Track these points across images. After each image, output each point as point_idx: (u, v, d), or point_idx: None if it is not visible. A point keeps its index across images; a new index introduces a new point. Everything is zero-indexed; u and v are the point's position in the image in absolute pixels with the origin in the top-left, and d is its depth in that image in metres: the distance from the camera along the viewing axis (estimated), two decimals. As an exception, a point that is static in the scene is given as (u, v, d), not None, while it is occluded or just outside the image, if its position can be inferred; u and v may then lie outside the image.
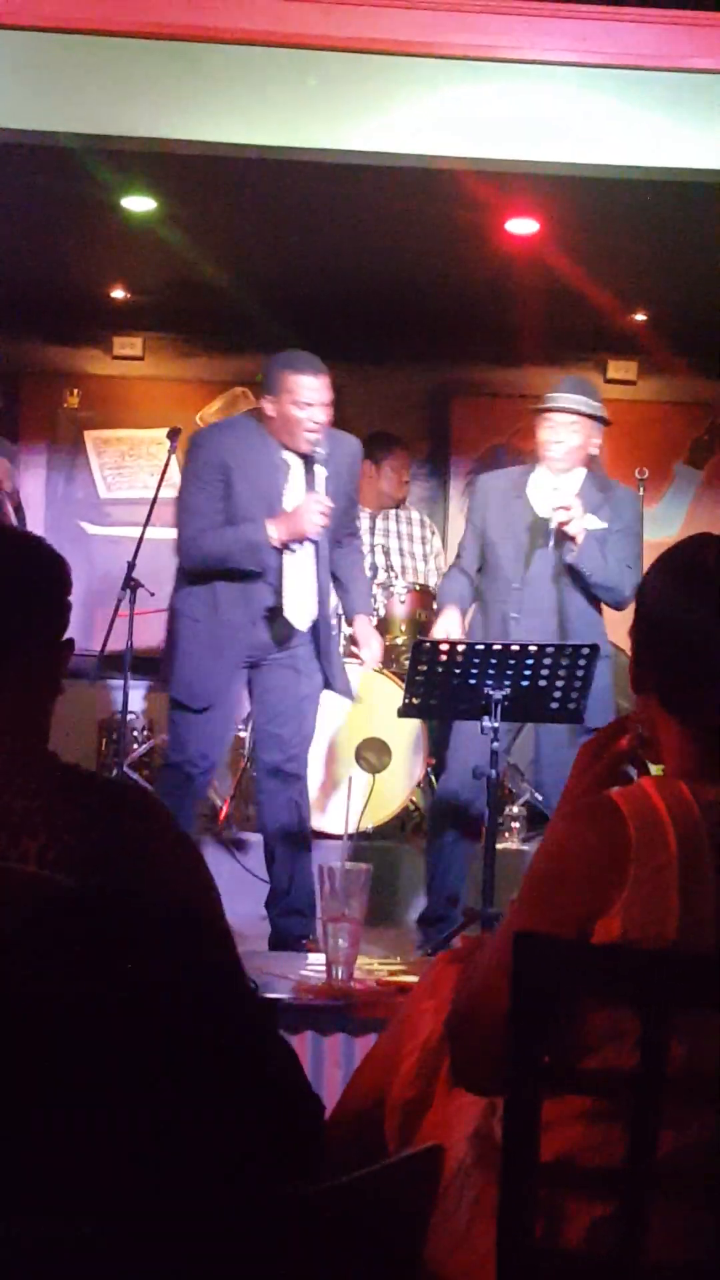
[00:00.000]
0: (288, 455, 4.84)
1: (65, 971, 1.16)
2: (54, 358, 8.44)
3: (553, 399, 5.14)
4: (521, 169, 5.33)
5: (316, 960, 3.97)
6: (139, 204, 6.49)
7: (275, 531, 4.73)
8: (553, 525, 4.94)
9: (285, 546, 4.77)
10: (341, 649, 6.42)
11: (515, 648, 4.51)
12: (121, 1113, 1.13)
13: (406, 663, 4.95)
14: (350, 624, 5.35)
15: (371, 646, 5.25)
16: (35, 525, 8.27)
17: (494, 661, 4.48)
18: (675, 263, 7.01)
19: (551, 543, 4.96)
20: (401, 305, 7.79)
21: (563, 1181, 1.72)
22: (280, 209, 6.52)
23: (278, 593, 4.82)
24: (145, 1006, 1.17)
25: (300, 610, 4.87)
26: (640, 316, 8.03)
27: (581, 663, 4.51)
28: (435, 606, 5.47)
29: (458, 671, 4.52)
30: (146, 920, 1.25)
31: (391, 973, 3.86)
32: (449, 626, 5.16)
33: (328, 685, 5.04)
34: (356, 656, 6.22)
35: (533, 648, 4.52)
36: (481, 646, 4.53)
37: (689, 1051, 1.69)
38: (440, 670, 4.54)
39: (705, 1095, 1.72)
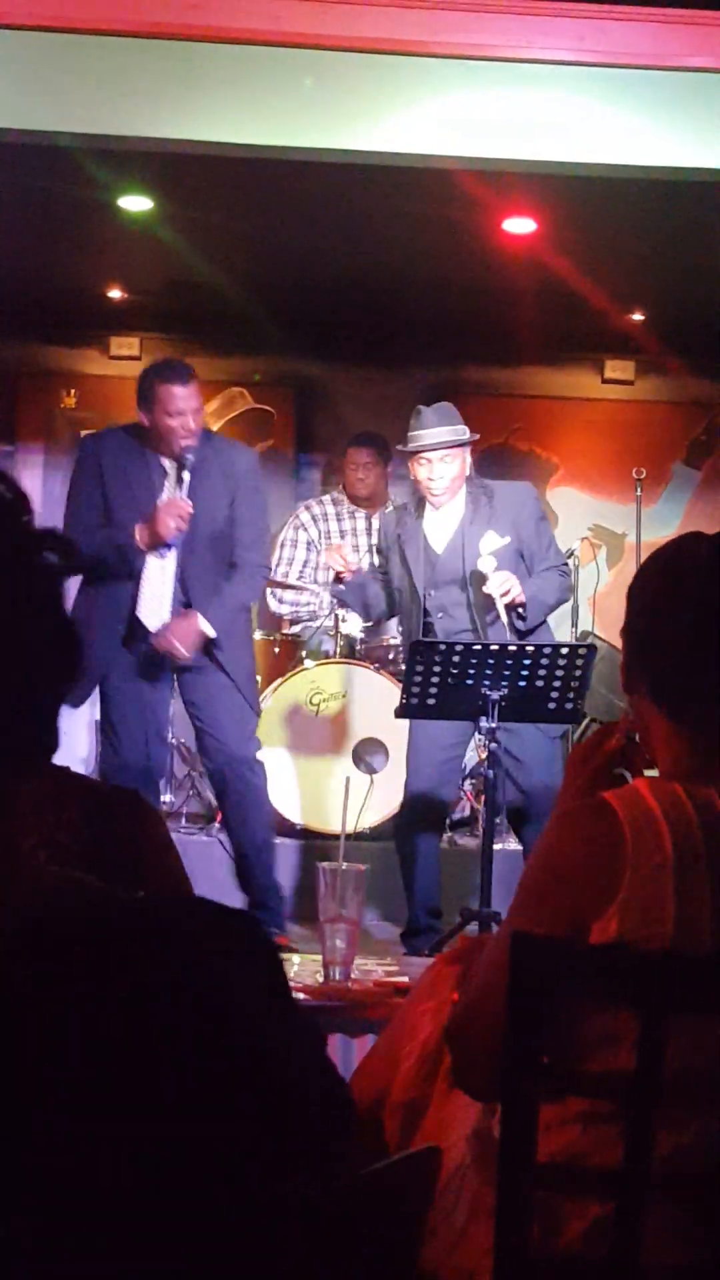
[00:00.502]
0: (166, 462, 5.01)
1: (111, 972, 1.15)
2: (51, 358, 8.44)
3: (418, 438, 5.08)
4: (518, 168, 5.33)
5: (310, 959, 3.96)
6: (135, 204, 6.48)
7: (139, 534, 4.89)
8: (500, 607, 4.91)
9: (152, 549, 4.90)
10: (340, 649, 6.43)
11: (512, 648, 4.52)
12: (140, 1114, 1.12)
13: (403, 663, 4.95)
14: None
15: (176, 633, 4.99)
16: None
17: (491, 662, 4.48)
18: (673, 262, 7.01)
19: (503, 618, 4.95)
20: (398, 305, 7.78)
21: (560, 1183, 1.72)
22: (277, 209, 6.51)
23: (134, 595, 4.94)
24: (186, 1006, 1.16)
25: (152, 613, 4.96)
26: (638, 316, 8.03)
27: (579, 663, 4.51)
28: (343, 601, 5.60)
29: (455, 672, 4.52)
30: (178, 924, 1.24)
31: (389, 973, 3.85)
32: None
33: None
34: (365, 663, 6.24)
35: (529, 649, 4.53)
36: (479, 647, 4.53)
37: (686, 1053, 1.69)
38: (437, 671, 4.54)
39: (702, 1097, 1.71)
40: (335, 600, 6.53)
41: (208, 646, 5.00)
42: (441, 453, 5.06)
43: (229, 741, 5.06)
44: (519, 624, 4.99)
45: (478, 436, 5.25)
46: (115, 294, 8.01)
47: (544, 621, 5.14)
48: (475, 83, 5.09)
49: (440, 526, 5.14)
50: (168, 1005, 1.15)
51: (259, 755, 5.19)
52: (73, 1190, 1.10)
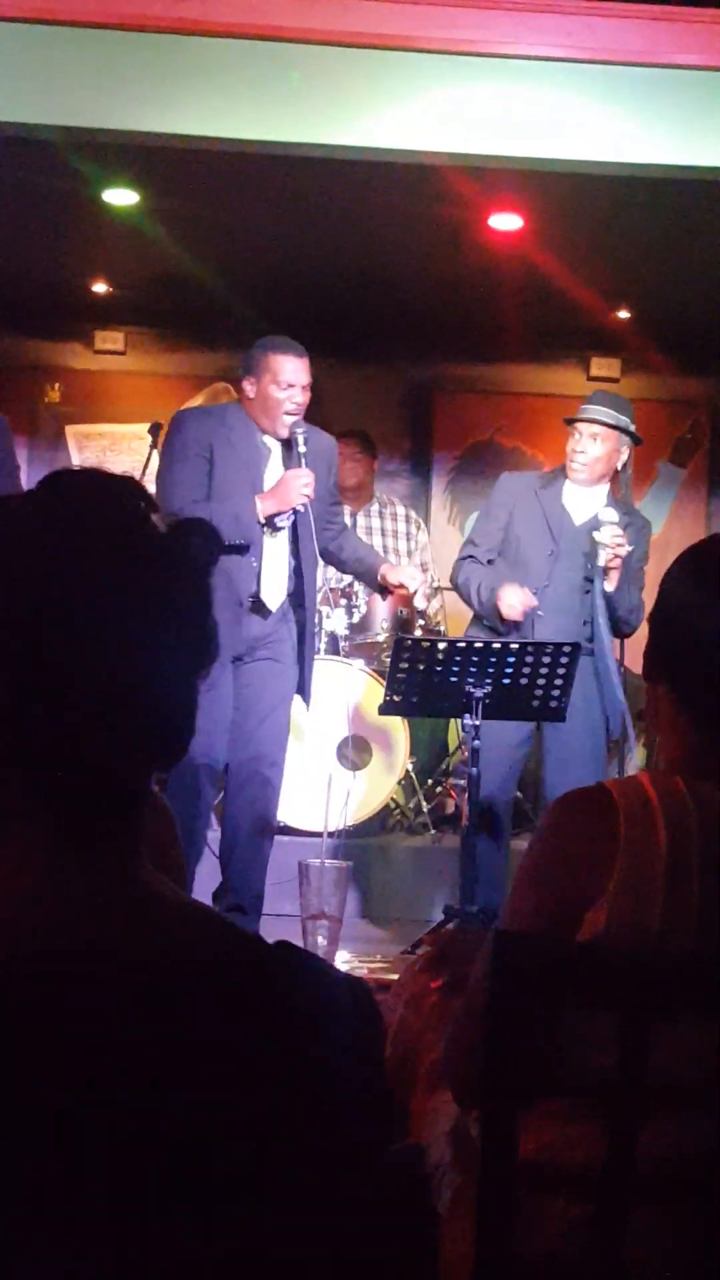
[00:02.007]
0: (267, 440, 4.89)
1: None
2: (35, 352, 8.42)
3: (581, 410, 5.20)
4: (505, 165, 5.32)
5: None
6: (121, 197, 6.47)
7: (262, 505, 4.76)
8: (602, 560, 4.98)
9: (269, 522, 4.79)
10: (324, 646, 6.42)
11: (496, 645, 4.51)
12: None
13: (387, 660, 4.94)
14: (383, 580, 5.19)
15: (406, 573, 5.16)
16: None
17: (475, 659, 4.47)
18: (659, 260, 7.01)
19: (598, 572, 5.00)
20: (384, 301, 7.78)
21: (540, 1181, 1.71)
22: (263, 204, 6.50)
23: (258, 574, 4.82)
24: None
25: (274, 591, 4.87)
26: (624, 314, 8.03)
27: (563, 661, 4.50)
28: (473, 594, 5.40)
29: (439, 669, 4.51)
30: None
31: (371, 970, 3.85)
32: (517, 593, 5.10)
33: (299, 688, 4.99)
34: (349, 660, 6.22)
35: (514, 645, 4.52)
36: (463, 644, 4.52)
37: (668, 1053, 1.68)
38: (421, 668, 4.53)
39: (684, 1097, 1.71)
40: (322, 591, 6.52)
41: (301, 643, 4.96)
42: (595, 429, 5.12)
43: (264, 741, 4.94)
44: (605, 584, 5.02)
45: (640, 439, 5.27)
46: (100, 288, 8.00)
47: (620, 643, 5.23)
48: (462, 78, 5.09)
49: (580, 504, 5.18)
50: (269, 1059, 1.14)
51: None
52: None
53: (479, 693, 4.48)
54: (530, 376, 8.62)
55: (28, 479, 8.38)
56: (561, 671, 4.51)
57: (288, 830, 6.14)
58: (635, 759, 6.47)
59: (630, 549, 5.04)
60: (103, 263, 7.67)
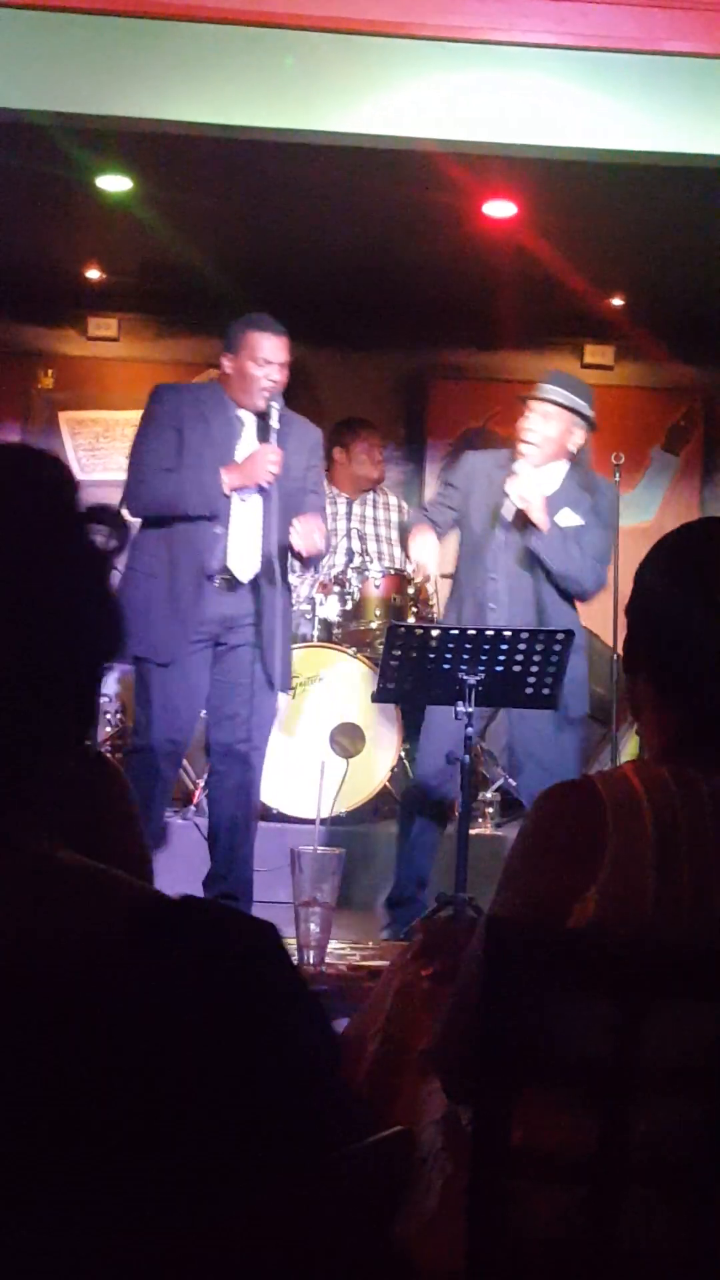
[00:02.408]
0: (242, 413, 4.96)
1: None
2: (28, 338, 8.40)
3: (536, 389, 5.21)
4: (499, 152, 5.31)
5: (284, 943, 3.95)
6: (114, 184, 6.45)
7: (228, 477, 4.82)
8: (508, 512, 5.04)
9: (235, 493, 4.85)
10: (317, 634, 6.42)
11: (490, 633, 4.51)
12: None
13: (381, 647, 4.93)
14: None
15: (299, 534, 4.92)
16: (9, 507, 8.23)
17: (468, 647, 4.47)
18: (653, 247, 7.01)
19: (510, 522, 5.05)
20: (378, 288, 7.77)
21: (532, 1168, 1.72)
22: (256, 190, 6.49)
23: (225, 544, 4.86)
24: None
25: (243, 562, 4.89)
26: (618, 301, 8.03)
27: (556, 648, 4.51)
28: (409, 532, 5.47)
29: (432, 656, 4.51)
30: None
31: (364, 957, 3.85)
32: (426, 544, 5.23)
33: (268, 674, 4.96)
34: (342, 647, 6.22)
35: (507, 633, 4.52)
36: (456, 631, 4.52)
37: (661, 1039, 1.68)
38: (414, 655, 4.53)
39: (676, 1082, 1.71)
40: (317, 580, 6.53)
41: (259, 622, 4.92)
42: (546, 408, 5.14)
43: (245, 725, 4.96)
44: (529, 541, 5.05)
45: (594, 424, 5.27)
46: (93, 274, 7.98)
47: (571, 605, 5.17)
48: (456, 65, 5.08)
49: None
50: (194, 1008, 1.13)
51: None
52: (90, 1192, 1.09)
53: (472, 680, 4.49)
54: (524, 364, 8.60)
55: (20, 465, 8.38)
56: (554, 659, 4.52)
57: (280, 817, 6.15)
58: (628, 748, 6.48)
59: (535, 502, 5.03)
60: (96, 249, 7.66)
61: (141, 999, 1.12)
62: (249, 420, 4.95)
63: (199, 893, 4.96)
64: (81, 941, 1.14)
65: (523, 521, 5.08)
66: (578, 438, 5.19)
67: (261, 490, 4.84)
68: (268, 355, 4.87)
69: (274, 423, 4.86)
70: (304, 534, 4.85)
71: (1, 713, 1.21)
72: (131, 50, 5.00)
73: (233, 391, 4.94)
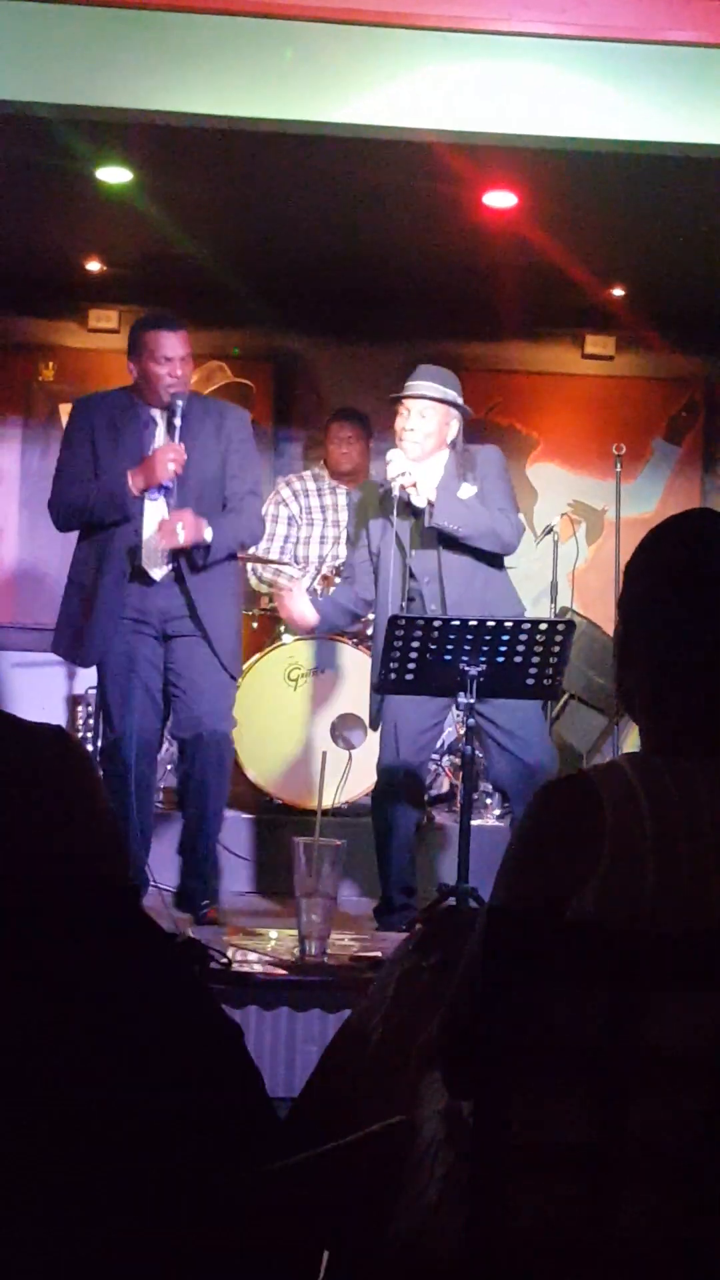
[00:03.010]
0: (155, 413, 5.06)
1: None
2: (29, 330, 8.39)
3: (406, 387, 5.16)
4: (499, 142, 5.30)
5: (286, 934, 3.96)
6: (115, 175, 6.44)
7: (133, 479, 4.92)
8: (396, 491, 4.99)
9: (144, 494, 4.94)
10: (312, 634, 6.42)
11: (490, 624, 4.51)
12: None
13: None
14: None
15: (165, 527, 4.95)
16: (10, 499, 8.24)
17: (470, 637, 4.47)
18: (654, 237, 6.99)
19: (408, 509, 5.03)
20: (377, 279, 7.76)
21: (532, 1160, 1.72)
22: (256, 182, 6.48)
23: (139, 544, 4.95)
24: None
25: (154, 559, 4.97)
26: (618, 291, 8.01)
27: (558, 638, 4.51)
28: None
29: (434, 647, 4.51)
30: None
31: (365, 948, 3.86)
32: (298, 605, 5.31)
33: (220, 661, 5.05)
34: (343, 638, 6.22)
35: (508, 624, 4.52)
36: (458, 622, 4.52)
37: (660, 1030, 1.69)
38: (416, 646, 4.53)
39: (676, 1074, 1.71)
40: (317, 572, 6.53)
41: (195, 613, 4.97)
42: (422, 405, 5.09)
43: (206, 715, 5.03)
44: (430, 521, 5.01)
45: (468, 410, 5.24)
46: (94, 266, 7.97)
47: (497, 564, 5.15)
48: (456, 55, 5.06)
49: (428, 480, 5.10)
50: None
51: (232, 732, 5.18)
52: None
53: (474, 671, 4.49)
54: (525, 354, 8.60)
55: (22, 457, 8.40)
56: (556, 649, 4.52)
57: (281, 808, 6.16)
58: (630, 738, 6.48)
59: (412, 471, 5.00)
60: (97, 241, 7.64)
61: None
62: (161, 418, 5.05)
63: (235, 889, 5.00)
64: None
65: (413, 509, 5.04)
66: (454, 428, 5.16)
67: (164, 488, 4.93)
68: (166, 352, 4.97)
69: (176, 419, 4.95)
70: (164, 531, 4.91)
71: None
72: (131, 42, 4.99)
73: (141, 393, 5.06)
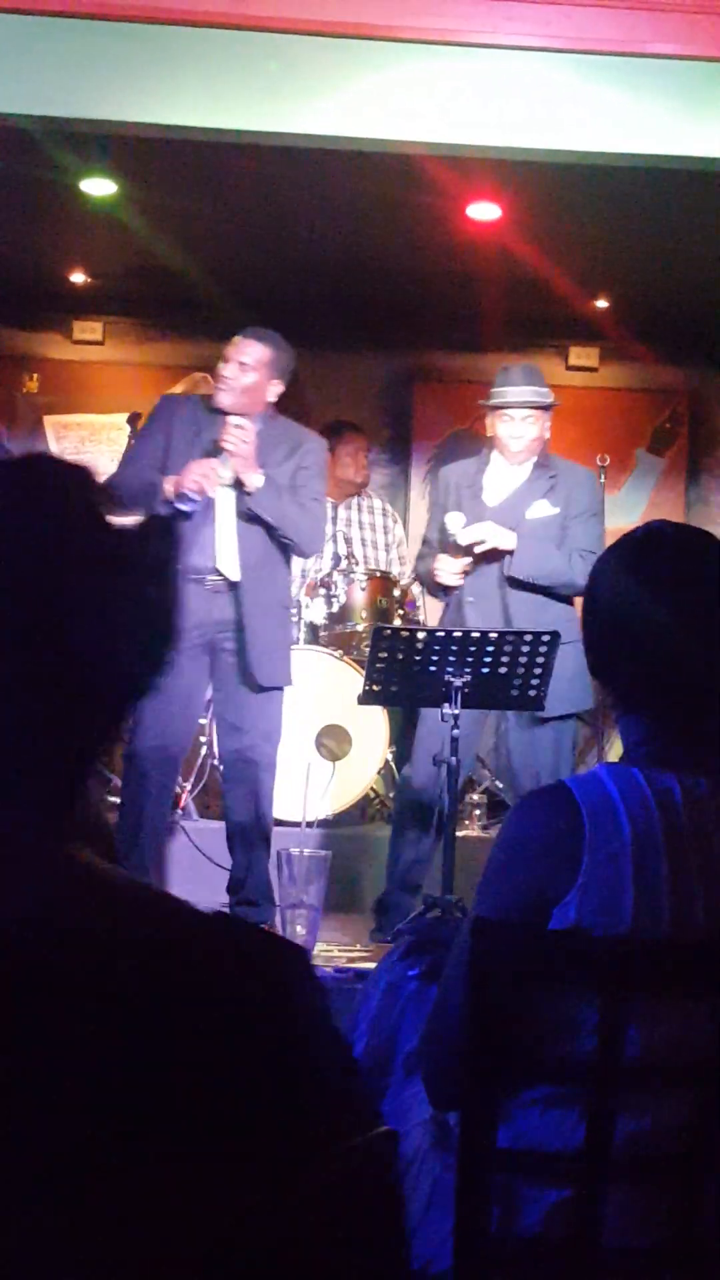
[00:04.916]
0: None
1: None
2: (13, 341, 8.39)
3: (504, 394, 5.13)
4: (482, 154, 5.31)
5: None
6: (99, 187, 6.44)
7: (166, 484, 4.83)
8: (463, 538, 4.97)
9: (177, 501, 4.80)
10: (303, 636, 6.42)
11: (475, 635, 4.51)
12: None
13: (366, 650, 4.93)
14: None
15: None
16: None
17: (454, 649, 4.47)
18: (637, 249, 7.02)
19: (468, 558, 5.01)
20: (363, 290, 7.77)
21: (519, 1166, 1.72)
22: (241, 193, 6.49)
23: (214, 543, 4.85)
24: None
25: (230, 564, 4.87)
26: (602, 303, 8.03)
27: (542, 650, 4.50)
28: (420, 577, 5.45)
29: (418, 659, 4.50)
30: None
31: (350, 959, 3.86)
32: (448, 561, 5.10)
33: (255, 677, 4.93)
34: (328, 649, 6.22)
35: (493, 635, 4.52)
36: (442, 633, 4.52)
37: (646, 1037, 1.69)
38: (400, 657, 4.52)
39: (661, 1080, 1.72)
40: (305, 583, 6.53)
41: (242, 626, 4.87)
42: (525, 412, 5.10)
43: (249, 732, 4.94)
44: (506, 569, 5.00)
45: (559, 402, 5.25)
46: (78, 277, 7.97)
47: (563, 598, 5.12)
48: (440, 67, 5.07)
49: (500, 483, 5.15)
50: (217, 1025, 1.13)
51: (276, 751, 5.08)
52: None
53: (458, 682, 4.48)
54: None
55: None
56: (540, 660, 4.51)
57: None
58: (614, 748, 6.49)
59: (490, 538, 4.96)
60: (81, 252, 7.65)
61: (169, 1013, 1.11)
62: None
63: (219, 900, 4.95)
64: (113, 948, 1.13)
65: (489, 554, 5.02)
66: (548, 425, 5.19)
67: (193, 501, 4.80)
68: (229, 354, 4.97)
69: (228, 434, 4.82)
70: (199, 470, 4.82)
71: (37, 721, 1.20)
72: (116, 54, 4.99)
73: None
